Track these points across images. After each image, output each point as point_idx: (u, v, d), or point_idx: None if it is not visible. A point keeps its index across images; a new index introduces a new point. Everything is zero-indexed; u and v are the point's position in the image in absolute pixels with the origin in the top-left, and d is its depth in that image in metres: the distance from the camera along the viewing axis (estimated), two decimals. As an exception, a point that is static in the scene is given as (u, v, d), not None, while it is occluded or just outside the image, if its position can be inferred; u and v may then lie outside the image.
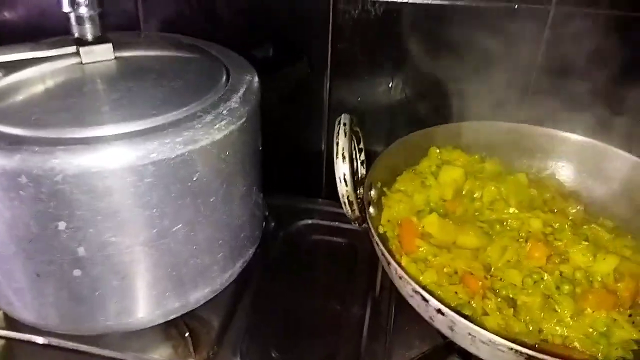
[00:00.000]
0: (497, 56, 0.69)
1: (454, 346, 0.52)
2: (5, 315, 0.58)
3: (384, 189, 0.60)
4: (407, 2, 0.68)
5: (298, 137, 0.84)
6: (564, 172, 0.66)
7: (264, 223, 0.66)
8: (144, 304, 0.50)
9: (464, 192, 0.62)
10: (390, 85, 0.75)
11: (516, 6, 0.65)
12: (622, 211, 0.60)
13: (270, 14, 0.73)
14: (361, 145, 0.59)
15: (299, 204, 0.82)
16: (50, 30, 0.59)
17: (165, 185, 0.44)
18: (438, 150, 0.65)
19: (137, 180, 0.42)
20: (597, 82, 0.65)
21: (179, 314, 0.54)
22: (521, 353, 0.40)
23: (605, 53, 0.63)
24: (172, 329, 0.57)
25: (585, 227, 0.57)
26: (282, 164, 0.81)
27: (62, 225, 0.43)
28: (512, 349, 0.40)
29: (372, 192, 0.57)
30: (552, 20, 0.65)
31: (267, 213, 0.72)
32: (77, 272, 0.45)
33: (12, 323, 0.58)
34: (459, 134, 0.67)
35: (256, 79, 0.55)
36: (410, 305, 0.56)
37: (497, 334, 0.41)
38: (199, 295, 0.54)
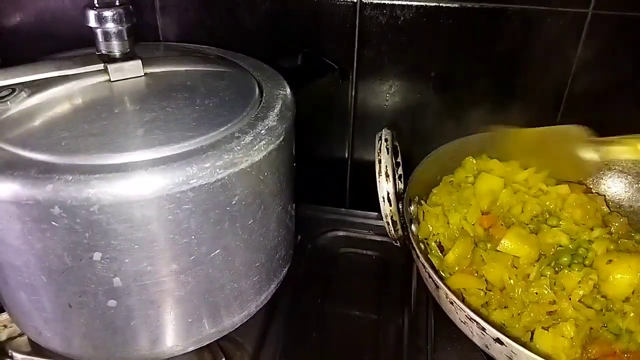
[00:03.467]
0: (529, 60, 0.66)
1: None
2: (30, 340, 0.57)
3: (421, 201, 0.58)
4: (437, 6, 0.66)
5: (321, 145, 0.81)
6: (606, 182, 0.64)
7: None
8: (180, 331, 0.48)
9: (499, 204, 0.59)
10: (417, 92, 0.73)
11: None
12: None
13: (294, 21, 0.71)
14: (399, 159, 0.57)
15: (323, 215, 0.80)
16: (63, 36, 0.57)
17: (204, 211, 0.42)
18: (474, 161, 0.62)
19: (175, 207, 0.40)
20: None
21: (213, 340, 0.52)
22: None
23: None
24: (205, 353, 0.55)
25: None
26: (304, 173, 0.79)
27: (97, 255, 0.40)
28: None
29: (412, 208, 0.55)
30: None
31: (294, 227, 0.70)
32: (112, 303, 0.43)
33: (37, 348, 0.56)
34: (492, 143, 0.65)
35: (289, 92, 0.53)
36: (450, 323, 0.54)
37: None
38: (234, 320, 0.51)
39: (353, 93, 0.75)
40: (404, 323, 0.61)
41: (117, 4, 0.47)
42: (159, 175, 0.39)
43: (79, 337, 0.46)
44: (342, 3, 0.68)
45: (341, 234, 0.76)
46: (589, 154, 0.62)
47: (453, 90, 0.72)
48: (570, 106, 0.68)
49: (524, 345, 0.40)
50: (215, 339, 0.52)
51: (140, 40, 0.68)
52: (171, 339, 0.48)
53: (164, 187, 0.39)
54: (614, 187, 0.63)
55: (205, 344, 0.52)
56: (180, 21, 0.73)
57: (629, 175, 0.62)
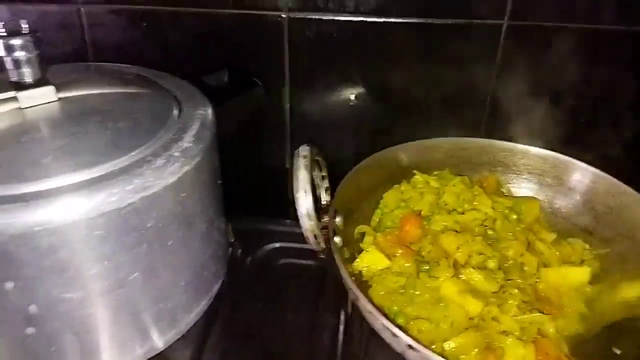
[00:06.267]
0: (452, 71, 0.69)
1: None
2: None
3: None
4: (362, 20, 0.68)
5: (261, 158, 0.82)
6: (525, 184, 0.66)
7: (229, 253, 0.64)
8: (105, 354, 0.48)
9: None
10: (351, 102, 0.75)
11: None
12: (584, 222, 0.61)
13: (224, 38, 0.71)
14: (324, 173, 0.58)
15: (265, 227, 0.80)
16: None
17: (117, 235, 0.42)
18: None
19: (85, 234, 0.40)
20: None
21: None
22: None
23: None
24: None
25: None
26: (246, 186, 0.80)
27: (9, 285, 0.40)
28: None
29: (338, 220, 0.56)
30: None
31: (232, 240, 0.71)
32: (30, 330, 0.43)
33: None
34: (420, 152, 0.67)
35: (210, 111, 0.53)
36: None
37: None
38: (163, 340, 0.52)
39: (288, 106, 0.76)
40: (340, 332, 0.63)
41: (25, 31, 0.47)
42: (65, 203, 0.39)
43: (1, 367, 0.46)
44: (271, 19, 0.69)
45: (282, 245, 0.76)
46: None
47: (384, 101, 0.74)
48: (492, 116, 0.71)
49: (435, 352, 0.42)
50: (146, 358, 0.52)
51: (67, 60, 0.68)
52: (97, 362, 0.48)
53: (71, 215, 0.39)
54: (535, 189, 0.67)
55: (136, 365, 0.52)
56: (109, 40, 0.73)
57: (548, 178, 0.66)
